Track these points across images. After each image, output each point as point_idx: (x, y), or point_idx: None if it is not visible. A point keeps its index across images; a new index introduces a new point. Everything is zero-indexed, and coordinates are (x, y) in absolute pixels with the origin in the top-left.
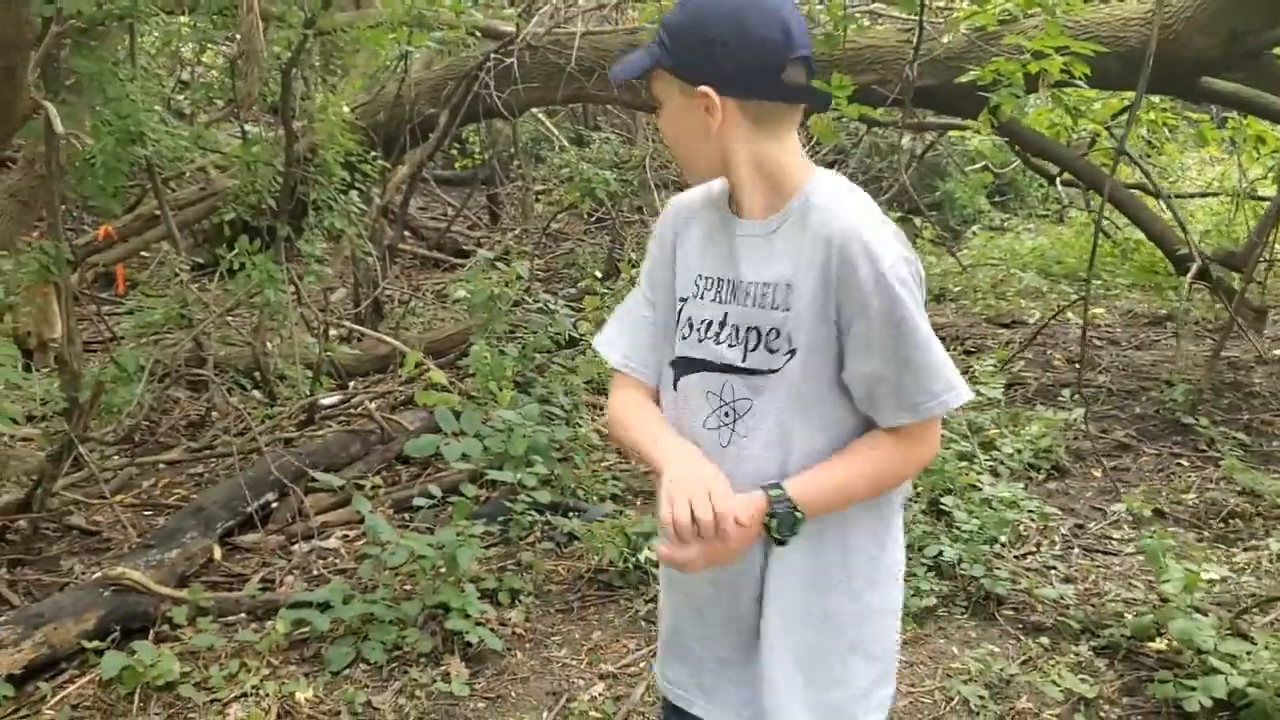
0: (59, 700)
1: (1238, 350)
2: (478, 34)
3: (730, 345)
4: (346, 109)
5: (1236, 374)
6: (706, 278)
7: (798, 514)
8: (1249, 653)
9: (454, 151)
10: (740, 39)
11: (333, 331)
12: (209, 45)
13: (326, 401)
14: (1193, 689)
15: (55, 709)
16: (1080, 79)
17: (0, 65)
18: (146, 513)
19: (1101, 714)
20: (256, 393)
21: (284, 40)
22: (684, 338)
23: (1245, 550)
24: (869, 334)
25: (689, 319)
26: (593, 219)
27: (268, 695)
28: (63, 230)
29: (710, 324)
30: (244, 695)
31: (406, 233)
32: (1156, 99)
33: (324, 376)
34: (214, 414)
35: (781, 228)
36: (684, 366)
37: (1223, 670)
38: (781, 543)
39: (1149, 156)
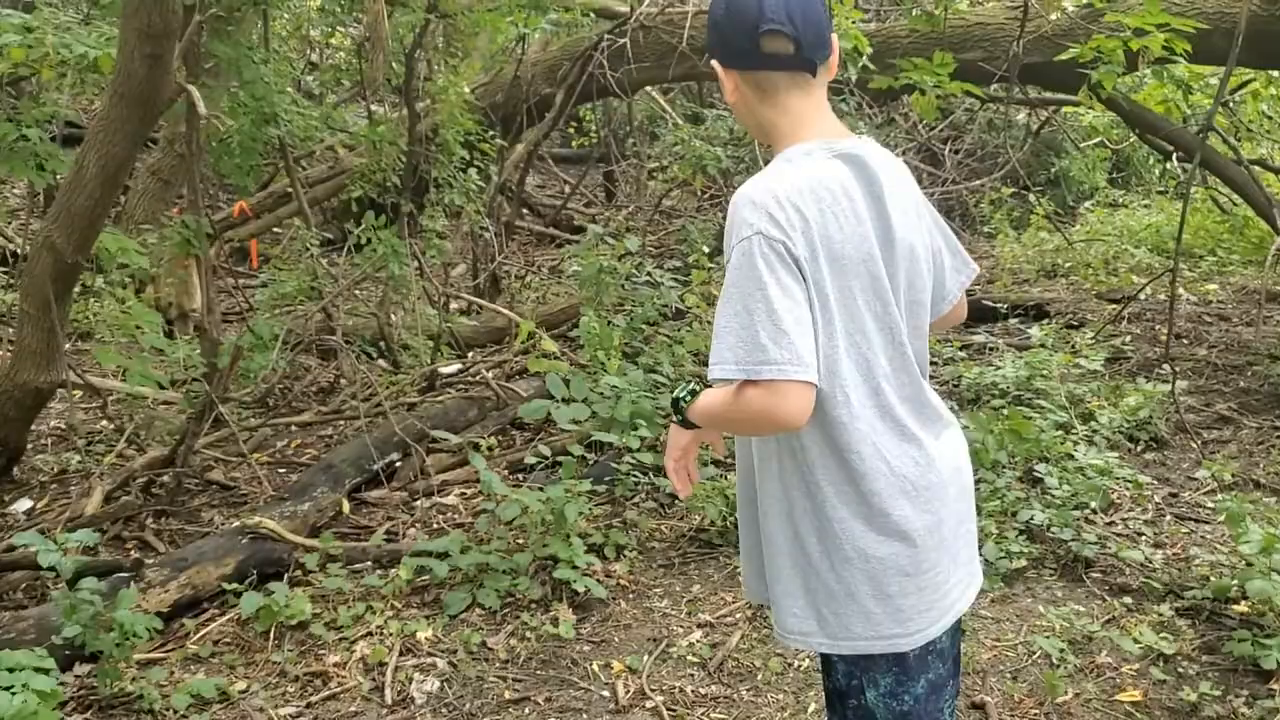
0: (201, 636)
1: None
2: (593, 15)
3: None
4: (466, 90)
5: None
6: None
7: (683, 406)
8: None
9: (571, 130)
10: (725, 16)
11: (452, 304)
12: (337, 28)
13: (446, 370)
14: (1270, 647)
15: (198, 644)
16: (1181, 55)
17: (149, 52)
18: (281, 470)
19: (1180, 670)
20: (381, 361)
21: (408, 24)
22: None
23: None
24: None
25: None
26: (706, 196)
27: (391, 634)
28: (203, 206)
29: None
30: (369, 634)
31: (524, 210)
32: (1276, 74)
33: (444, 347)
34: (342, 380)
35: None
36: None
37: None
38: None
39: (1269, 133)
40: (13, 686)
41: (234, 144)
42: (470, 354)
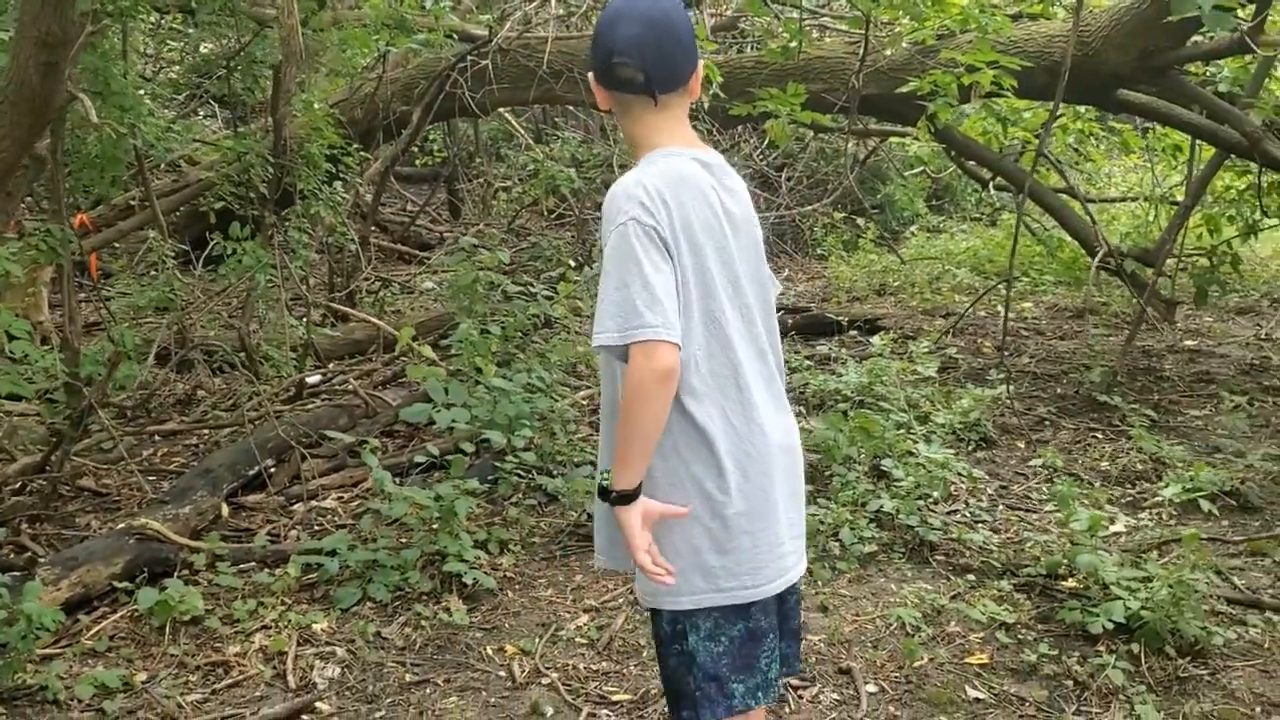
0: (96, 632)
1: (1153, 340)
2: (455, 36)
3: None
4: (327, 105)
5: (1150, 360)
6: None
7: (607, 482)
8: (1146, 582)
9: (415, 150)
10: (593, 43)
11: (313, 315)
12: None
13: (311, 380)
14: (1096, 614)
15: (94, 639)
16: (1008, 90)
17: (45, 60)
18: (151, 478)
19: (1020, 636)
20: (241, 372)
21: (273, 40)
22: None
23: (1149, 508)
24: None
25: None
26: (554, 215)
27: (287, 626)
28: (65, 216)
29: None
30: (265, 627)
31: (373, 227)
32: (1083, 109)
33: (306, 357)
34: (200, 391)
35: None
36: None
37: (1122, 597)
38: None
39: (1077, 164)
40: None
41: (95, 154)
42: (330, 365)
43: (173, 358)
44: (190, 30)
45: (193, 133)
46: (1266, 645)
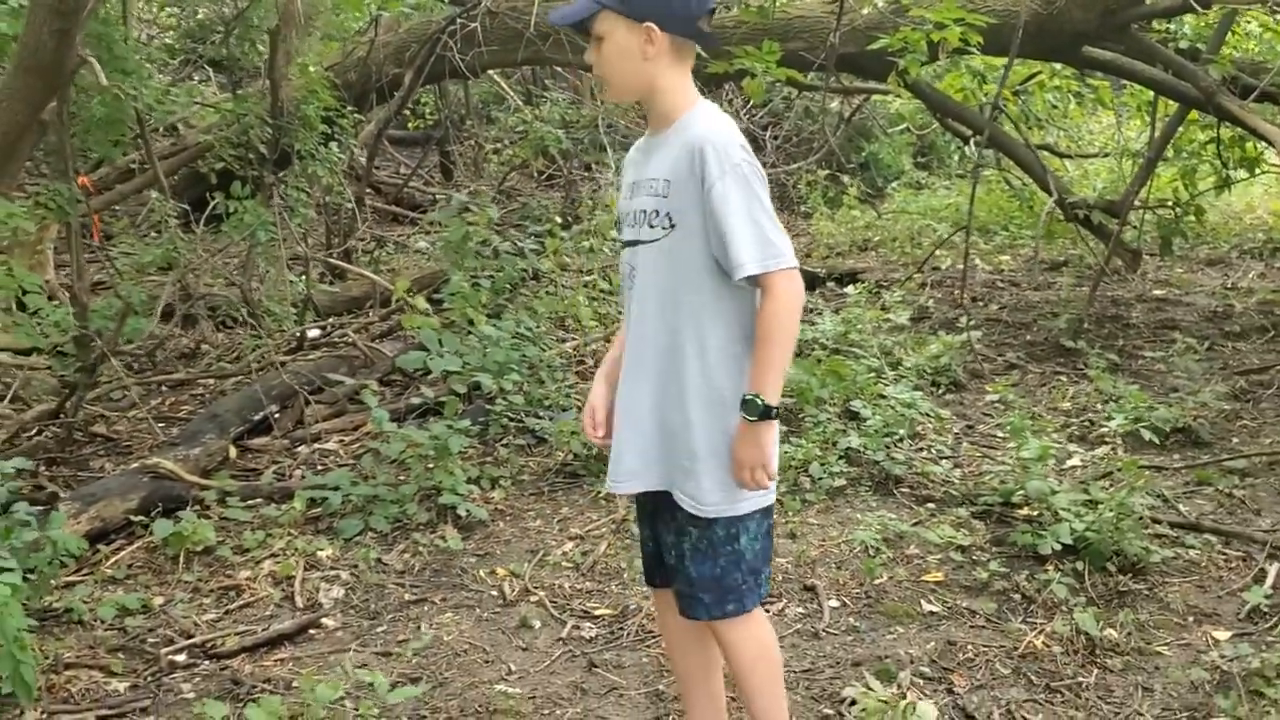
0: (115, 561)
1: (1122, 290)
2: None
3: (630, 226)
4: (321, 68)
5: (1118, 309)
6: (628, 183)
7: (757, 401)
8: (1092, 506)
9: (407, 113)
10: None
11: (313, 271)
12: (168, 7)
13: (311, 334)
14: (1045, 536)
15: (112, 568)
16: (974, 46)
17: (58, 27)
18: (160, 425)
19: (974, 557)
20: (242, 328)
21: (269, 4)
22: (619, 230)
23: (1101, 441)
24: (710, 214)
25: (620, 215)
26: (544, 176)
27: (294, 553)
28: (71, 174)
29: (626, 214)
30: (273, 555)
31: (367, 188)
32: (1059, 66)
33: (307, 311)
34: (204, 345)
35: (668, 137)
36: (621, 248)
37: (1069, 520)
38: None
39: (1052, 120)
40: None
41: (99, 117)
42: (328, 321)
43: (176, 313)
44: None
45: (193, 95)
46: (1203, 564)
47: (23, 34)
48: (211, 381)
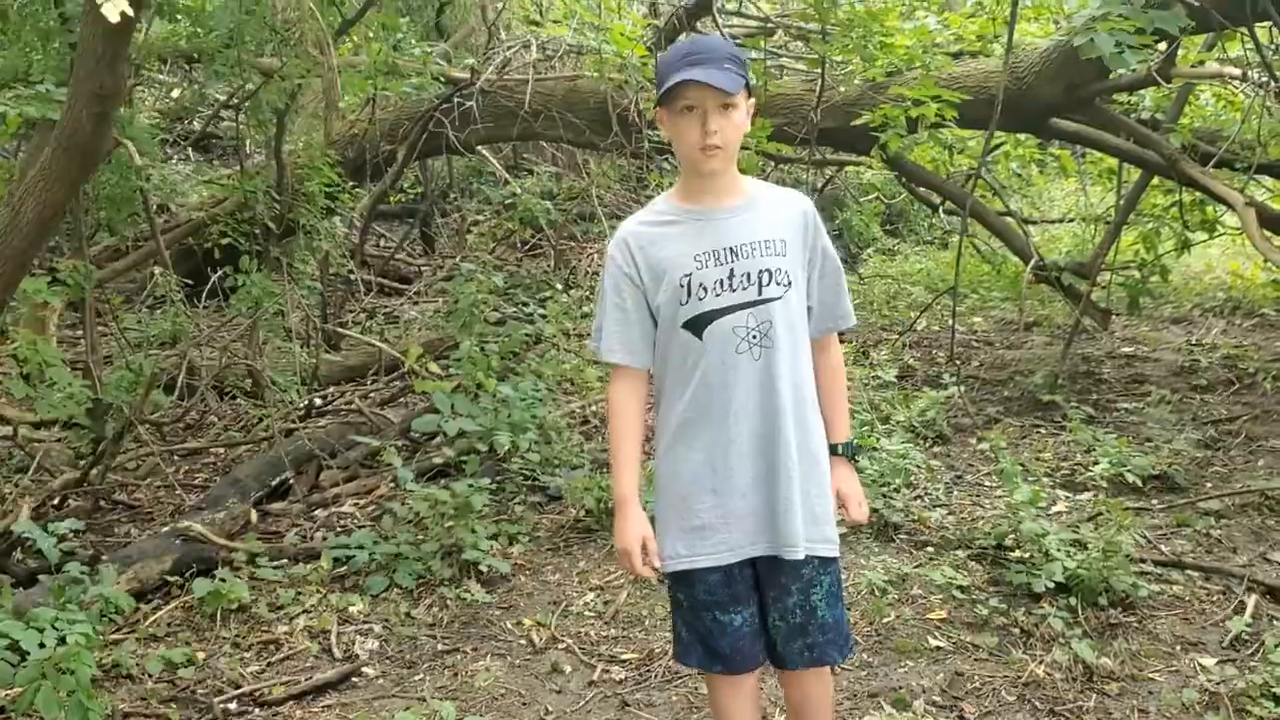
0: (154, 620)
1: (1093, 347)
2: (441, 79)
3: (744, 288)
4: (324, 145)
5: (1089, 365)
6: (705, 253)
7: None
8: (1082, 547)
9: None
10: (745, 65)
11: (314, 341)
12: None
13: (317, 401)
14: (1038, 574)
15: (153, 626)
16: (950, 121)
17: (98, 111)
18: (177, 492)
19: (974, 596)
20: (244, 399)
21: (277, 89)
22: (700, 299)
23: (1085, 488)
24: (823, 270)
25: (700, 285)
26: (526, 246)
27: (328, 608)
28: (86, 252)
29: (721, 280)
30: (305, 611)
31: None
32: (1022, 136)
33: (313, 381)
34: (210, 417)
35: (750, 201)
36: (707, 319)
37: (1060, 559)
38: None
39: (1019, 189)
40: (61, 632)
41: (111, 194)
42: (329, 389)
43: (178, 385)
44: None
45: (200, 174)
46: (1187, 598)
47: (62, 117)
48: (222, 450)
